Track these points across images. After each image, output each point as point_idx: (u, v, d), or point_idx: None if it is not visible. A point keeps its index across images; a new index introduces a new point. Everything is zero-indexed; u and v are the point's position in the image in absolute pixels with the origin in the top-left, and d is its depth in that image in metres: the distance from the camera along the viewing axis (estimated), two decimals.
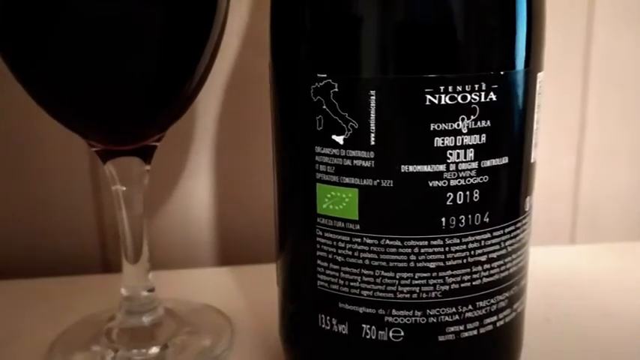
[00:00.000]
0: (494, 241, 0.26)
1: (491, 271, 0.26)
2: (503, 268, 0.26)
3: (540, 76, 0.26)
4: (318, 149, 0.25)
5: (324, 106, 0.25)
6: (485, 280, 0.26)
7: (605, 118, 0.49)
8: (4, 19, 0.27)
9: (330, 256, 0.26)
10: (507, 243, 0.26)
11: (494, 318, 0.27)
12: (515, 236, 0.26)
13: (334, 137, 0.25)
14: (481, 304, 0.26)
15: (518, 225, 0.27)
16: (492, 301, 0.26)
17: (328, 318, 0.27)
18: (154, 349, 0.33)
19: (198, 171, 0.47)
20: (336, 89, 0.24)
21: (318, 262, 0.27)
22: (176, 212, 0.47)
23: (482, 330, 0.26)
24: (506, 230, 0.26)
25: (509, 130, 0.25)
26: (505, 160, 0.25)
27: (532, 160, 0.27)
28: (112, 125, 0.31)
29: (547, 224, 0.50)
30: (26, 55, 0.28)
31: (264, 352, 0.34)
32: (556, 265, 0.45)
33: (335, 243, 0.26)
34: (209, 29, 0.29)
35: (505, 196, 0.26)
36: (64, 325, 0.36)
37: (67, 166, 0.45)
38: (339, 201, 0.25)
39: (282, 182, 0.28)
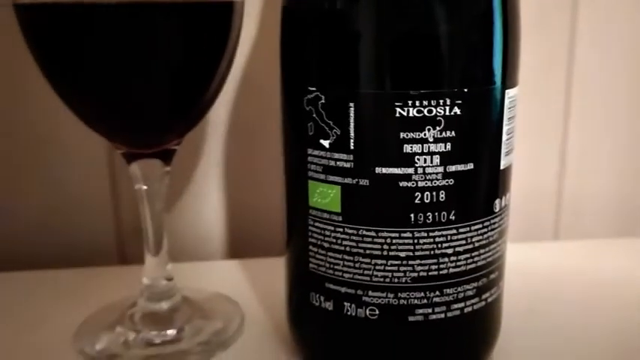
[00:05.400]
0: (460, 236, 0.28)
1: (458, 263, 0.28)
2: (470, 261, 0.28)
3: (511, 92, 0.28)
4: (309, 151, 0.28)
5: (314, 115, 0.27)
6: (452, 270, 0.28)
7: (587, 123, 0.50)
8: (46, 42, 0.29)
9: (318, 243, 0.29)
10: (474, 239, 0.28)
11: (462, 305, 0.29)
12: (482, 234, 0.28)
13: (322, 141, 0.27)
14: (448, 291, 0.28)
15: (486, 224, 0.28)
16: (459, 289, 0.28)
17: (317, 296, 0.29)
18: (172, 331, 0.35)
19: (210, 172, 0.48)
20: (323, 101, 0.27)
21: (310, 247, 0.29)
22: (190, 209, 0.48)
23: (449, 314, 0.28)
24: (473, 228, 0.28)
25: (474, 139, 0.27)
26: (470, 166, 0.27)
27: (502, 167, 0.28)
28: (137, 132, 0.33)
29: (532, 222, 0.52)
30: (65, 75, 0.30)
31: (272, 334, 0.36)
32: (540, 260, 0.46)
33: (322, 231, 0.28)
34: (224, 49, 0.31)
35: (471, 197, 0.28)
36: (87, 312, 0.38)
37: (86, 163, 0.46)
38: (325, 196, 0.28)
39: (286, 179, 0.31)
